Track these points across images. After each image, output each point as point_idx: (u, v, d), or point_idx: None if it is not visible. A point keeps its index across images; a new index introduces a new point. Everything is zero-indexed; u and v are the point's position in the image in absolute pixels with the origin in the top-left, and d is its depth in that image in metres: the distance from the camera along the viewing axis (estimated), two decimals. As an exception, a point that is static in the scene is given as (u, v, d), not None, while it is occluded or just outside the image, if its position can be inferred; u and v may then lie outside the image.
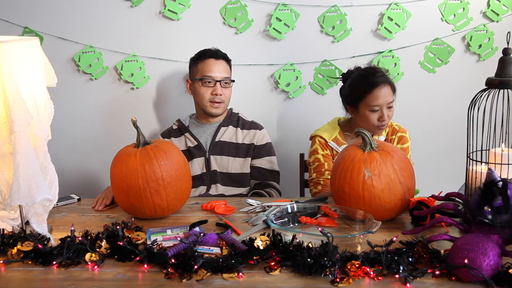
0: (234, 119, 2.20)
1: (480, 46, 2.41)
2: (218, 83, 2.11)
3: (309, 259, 1.18)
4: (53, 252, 1.30)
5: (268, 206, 1.68)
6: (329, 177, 2.01)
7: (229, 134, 2.17)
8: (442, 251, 1.23)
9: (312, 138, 2.11)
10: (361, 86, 1.96)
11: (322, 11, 2.40)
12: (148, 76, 2.50)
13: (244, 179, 2.13)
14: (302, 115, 2.53)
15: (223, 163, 2.13)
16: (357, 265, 1.18)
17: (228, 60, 2.19)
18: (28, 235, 1.37)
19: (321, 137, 2.05)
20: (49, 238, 1.38)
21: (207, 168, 2.13)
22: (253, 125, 2.20)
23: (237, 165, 2.13)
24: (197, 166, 2.13)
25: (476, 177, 1.40)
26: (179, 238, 1.36)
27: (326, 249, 1.19)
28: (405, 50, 2.43)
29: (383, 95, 1.92)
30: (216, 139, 2.15)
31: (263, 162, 2.14)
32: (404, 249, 1.24)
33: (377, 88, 1.92)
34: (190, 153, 2.14)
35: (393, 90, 1.99)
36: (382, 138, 2.06)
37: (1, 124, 1.33)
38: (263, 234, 1.31)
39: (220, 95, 2.11)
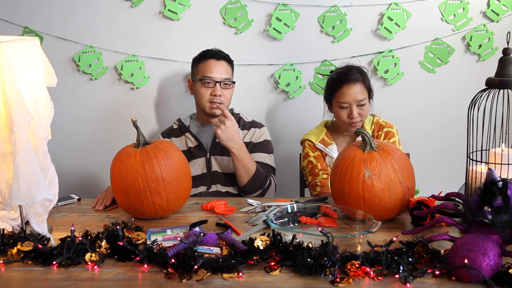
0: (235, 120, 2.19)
1: (480, 46, 2.41)
2: (218, 84, 2.10)
3: (309, 259, 1.18)
4: (53, 252, 1.30)
5: (268, 206, 1.68)
6: (324, 176, 2.04)
7: None
8: (442, 251, 1.23)
9: (302, 142, 2.17)
10: (333, 83, 2.04)
11: (322, 11, 2.40)
12: (148, 76, 2.50)
13: None
14: (302, 115, 2.53)
15: (224, 164, 2.12)
16: (357, 265, 1.18)
17: (230, 61, 2.18)
18: (28, 235, 1.37)
19: (309, 140, 2.12)
20: (49, 238, 1.38)
21: (208, 169, 2.13)
22: (253, 124, 2.20)
23: None
24: (198, 166, 2.13)
25: (476, 177, 1.40)
26: (179, 238, 1.36)
27: (326, 249, 1.19)
28: (405, 50, 2.43)
29: (351, 92, 1.98)
30: (218, 140, 2.14)
31: (257, 157, 2.12)
32: (404, 249, 1.24)
33: (345, 86, 1.99)
34: (190, 153, 2.14)
35: (368, 89, 2.03)
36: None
37: (1, 124, 1.33)
38: (263, 234, 1.31)
39: (220, 96, 2.10)
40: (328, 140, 2.10)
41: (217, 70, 2.11)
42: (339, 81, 2.01)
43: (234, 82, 2.18)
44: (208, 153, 2.14)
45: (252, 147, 2.14)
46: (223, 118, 1.99)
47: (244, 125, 2.19)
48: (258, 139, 2.16)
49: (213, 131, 2.17)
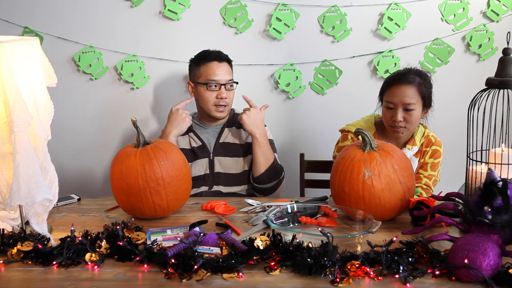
0: (237, 120, 2.18)
1: (480, 46, 2.41)
2: (223, 87, 2.09)
3: (309, 259, 1.18)
4: (53, 252, 1.30)
5: (268, 206, 1.68)
6: None
7: (233, 135, 2.16)
8: (442, 251, 1.23)
9: (344, 133, 2.03)
10: (387, 80, 1.96)
11: (322, 11, 2.40)
12: (148, 76, 2.50)
13: (245, 177, 2.13)
14: (302, 115, 2.53)
15: (227, 165, 2.12)
16: (357, 265, 1.18)
17: (230, 62, 2.17)
18: (28, 235, 1.37)
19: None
20: (49, 238, 1.38)
21: (211, 170, 2.12)
22: None
23: (240, 164, 2.12)
24: (201, 167, 2.12)
25: (476, 177, 1.40)
26: (179, 238, 1.36)
27: (326, 249, 1.19)
28: (405, 50, 2.43)
29: (399, 93, 1.87)
30: (221, 140, 2.14)
31: None
32: (404, 249, 1.24)
33: (396, 85, 1.89)
34: (194, 153, 2.13)
35: (422, 96, 1.88)
36: (416, 148, 1.96)
37: (1, 124, 1.33)
38: (263, 234, 1.31)
39: (225, 98, 2.10)
40: None
41: (221, 72, 2.10)
42: (393, 79, 1.92)
43: (236, 83, 2.17)
44: (211, 154, 2.13)
45: None
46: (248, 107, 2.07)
47: None
48: None
49: (216, 132, 2.17)
